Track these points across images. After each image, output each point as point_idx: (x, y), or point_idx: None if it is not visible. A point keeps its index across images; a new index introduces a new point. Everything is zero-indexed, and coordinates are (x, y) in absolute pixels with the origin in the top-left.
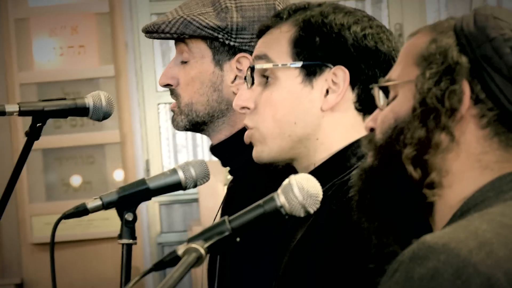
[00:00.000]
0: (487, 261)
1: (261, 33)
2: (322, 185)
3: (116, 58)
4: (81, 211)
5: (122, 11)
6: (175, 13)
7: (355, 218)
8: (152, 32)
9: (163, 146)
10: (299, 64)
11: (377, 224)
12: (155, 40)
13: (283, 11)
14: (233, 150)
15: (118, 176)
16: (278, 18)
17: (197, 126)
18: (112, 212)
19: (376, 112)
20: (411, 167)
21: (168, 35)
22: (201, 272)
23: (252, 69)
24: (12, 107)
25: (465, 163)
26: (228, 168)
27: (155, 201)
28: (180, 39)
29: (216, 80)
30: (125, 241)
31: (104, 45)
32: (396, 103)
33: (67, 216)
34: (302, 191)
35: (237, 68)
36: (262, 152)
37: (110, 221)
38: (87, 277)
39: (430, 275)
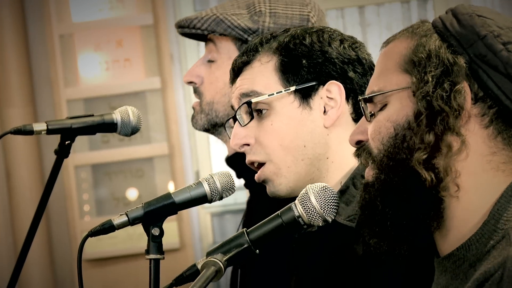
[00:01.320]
0: None
1: (238, 71)
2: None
3: (162, 70)
4: (107, 228)
5: (166, 23)
6: (210, 11)
7: (367, 238)
8: (184, 27)
9: (213, 157)
10: (293, 88)
11: (389, 236)
12: (201, 51)
13: (253, 44)
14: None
15: (169, 189)
16: (253, 51)
17: (215, 127)
18: (165, 225)
19: (361, 124)
20: (424, 171)
21: (198, 31)
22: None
23: (248, 104)
24: (40, 126)
25: (476, 164)
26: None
27: (206, 212)
28: (210, 38)
29: None
30: (152, 256)
31: (149, 58)
32: (391, 112)
33: (94, 233)
34: (319, 200)
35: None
36: (280, 185)
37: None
38: None
39: None
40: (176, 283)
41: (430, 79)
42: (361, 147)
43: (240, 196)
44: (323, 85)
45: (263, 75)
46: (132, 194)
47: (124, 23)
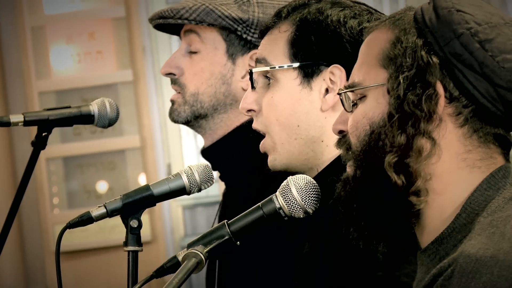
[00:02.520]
0: None
1: (262, 34)
2: (329, 188)
3: (134, 63)
4: (85, 220)
5: (138, 16)
6: (196, 1)
7: (344, 230)
8: (168, 17)
9: (185, 150)
10: (296, 65)
11: (367, 233)
12: (173, 44)
13: (283, 9)
14: (223, 153)
15: (140, 182)
16: (278, 17)
17: (197, 119)
18: None
19: (343, 114)
20: (394, 174)
21: (185, 21)
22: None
23: (252, 72)
24: (16, 117)
25: (451, 163)
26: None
27: (178, 204)
28: (191, 29)
29: (226, 73)
30: (131, 248)
31: (121, 50)
32: (368, 108)
33: (72, 225)
34: (300, 192)
35: (249, 64)
36: (275, 160)
37: None
38: (112, 284)
39: None
40: (157, 275)
41: (403, 80)
42: (343, 137)
43: (212, 189)
44: (328, 67)
45: (277, 45)
46: (103, 186)
47: (96, 15)
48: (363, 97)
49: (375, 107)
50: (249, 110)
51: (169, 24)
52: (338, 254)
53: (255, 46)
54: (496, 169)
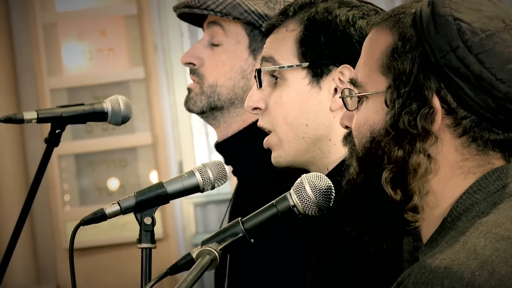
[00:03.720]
0: (490, 282)
1: (268, 32)
2: (339, 188)
3: (145, 60)
4: (99, 217)
5: (150, 13)
6: None
7: (348, 230)
8: (194, 7)
9: (196, 147)
10: (306, 64)
11: (369, 234)
12: (185, 41)
13: (289, 7)
14: (237, 148)
15: (151, 179)
16: (284, 16)
17: (213, 110)
18: None
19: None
20: (391, 190)
21: (211, 12)
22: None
23: (259, 71)
24: (30, 114)
25: (447, 172)
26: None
27: (189, 202)
28: (215, 21)
29: (247, 68)
30: (144, 245)
31: (133, 48)
32: (369, 113)
33: (85, 222)
34: (314, 190)
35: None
36: (280, 157)
37: None
38: (123, 281)
39: None
40: (171, 272)
41: (398, 96)
42: (350, 133)
43: (224, 187)
44: (337, 66)
45: (285, 44)
46: (115, 184)
47: (108, 12)
48: (365, 98)
49: (375, 114)
50: (255, 108)
51: (193, 14)
52: (360, 255)
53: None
54: (491, 171)
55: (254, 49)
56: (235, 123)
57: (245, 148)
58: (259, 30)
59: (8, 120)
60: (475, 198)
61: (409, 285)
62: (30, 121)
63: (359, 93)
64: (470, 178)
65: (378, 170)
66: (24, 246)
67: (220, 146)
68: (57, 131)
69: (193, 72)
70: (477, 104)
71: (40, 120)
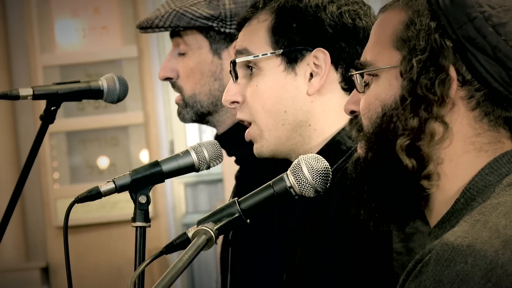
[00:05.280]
0: None
1: (240, 26)
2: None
3: (139, 39)
4: (94, 195)
5: None
6: (167, 7)
7: (353, 211)
8: (146, 27)
9: (188, 126)
10: (279, 52)
11: (376, 215)
12: None
13: (258, 0)
14: (237, 140)
15: (143, 158)
16: (254, 8)
17: (203, 117)
18: None
19: (355, 94)
20: (406, 157)
21: (162, 29)
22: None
23: (234, 63)
24: (26, 91)
25: (460, 147)
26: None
27: (180, 182)
28: (175, 32)
29: (215, 69)
30: (138, 224)
31: (126, 26)
32: (380, 89)
33: (80, 200)
34: (311, 171)
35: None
36: (262, 147)
37: None
38: (113, 259)
39: (460, 279)
40: (166, 251)
41: (416, 63)
42: (355, 117)
43: (215, 167)
44: (311, 51)
45: (257, 34)
46: (106, 162)
47: None
48: (375, 77)
49: (387, 89)
50: (233, 102)
51: None
52: (351, 236)
53: (236, 36)
54: (501, 154)
55: (216, 49)
56: (228, 119)
57: (243, 139)
58: (214, 30)
59: (3, 96)
60: (488, 180)
61: (430, 262)
62: (25, 97)
63: (370, 72)
64: (482, 156)
65: (388, 147)
66: (14, 223)
67: (219, 139)
68: (52, 108)
69: (173, 85)
70: (491, 76)
71: (35, 96)
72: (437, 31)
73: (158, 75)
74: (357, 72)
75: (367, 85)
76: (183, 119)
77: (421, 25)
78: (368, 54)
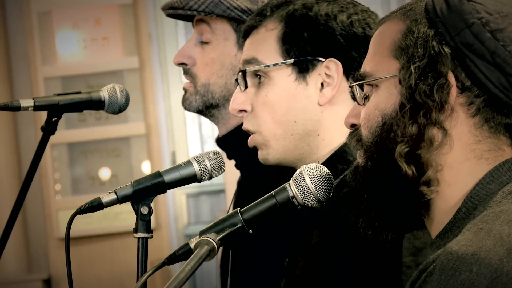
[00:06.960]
0: None
1: (246, 34)
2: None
3: (140, 50)
4: (96, 206)
5: (145, 3)
6: None
7: (352, 219)
8: (178, 8)
9: (189, 137)
10: (291, 61)
11: (376, 224)
12: (180, 31)
13: (265, 7)
14: (239, 142)
15: (144, 168)
16: (261, 16)
17: (209, 108)
18: None
19: (355, 107)
20: (405, 165)
21: (195, 12)
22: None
23: (243, 72)
24: (27, 102)
25: (460, 154)
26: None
27: (182, 192)
28: (202, 19)
29: (237, 64)
30: (140, 235)
31: (127, 37)
32: (380, 99)
33: (82, 211)
34: (313, 181)
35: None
36: (268, 155)
37: None
38: (115, 270)
39: None
40: (169, 262)
41: (414, 70)
42: (355, 130)
43: (217, 177)
44: (323, 61)
45: (266, 43)
46: (107, 173)
47: (103, 1)
48: (375, 87)
49: (387, 98)
50: (240, 111)
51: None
52: (359, 244)
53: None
54: (502, 162)
55: (242, 44)
56: (233, 118)
57: (246, 142)
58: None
59: (4, 107)
60: (489, 188)
61: (435, 272)
62: (26, 108)
63: (370, 84)
64: (482, 164)
65: (387, 156)
66: (16, 235)
67: (221, 141)
68: (53, 119)
69: (186, 72)
70: (490, 82)
71: (37, 108)
72: (435, 38)
73: (173, 59)
74: (356, 83)
75: (367, 97)
76: (189, 105)
77: (419, 33)
78: (367, 65)
